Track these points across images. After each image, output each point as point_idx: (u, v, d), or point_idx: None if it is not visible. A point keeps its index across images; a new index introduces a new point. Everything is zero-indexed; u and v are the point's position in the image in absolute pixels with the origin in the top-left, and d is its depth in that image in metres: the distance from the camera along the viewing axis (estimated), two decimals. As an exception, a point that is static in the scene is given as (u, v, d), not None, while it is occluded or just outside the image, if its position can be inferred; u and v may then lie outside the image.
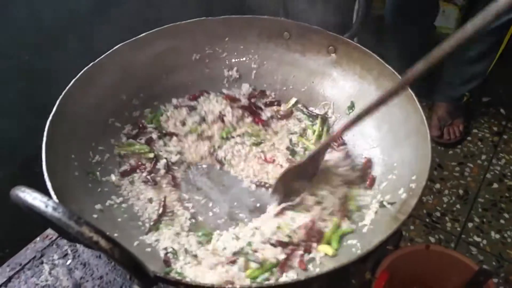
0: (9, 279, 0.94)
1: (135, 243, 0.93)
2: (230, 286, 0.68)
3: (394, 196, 0.96)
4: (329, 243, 0.93)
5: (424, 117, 0.99)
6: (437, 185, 2.07)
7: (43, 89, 1.04)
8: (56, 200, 0.80)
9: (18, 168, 1.26)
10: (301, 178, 1.00)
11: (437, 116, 2.27)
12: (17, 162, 1.25)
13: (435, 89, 2.32)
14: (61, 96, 0.99)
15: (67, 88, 1.01)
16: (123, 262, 0.60)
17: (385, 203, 0.96)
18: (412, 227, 1.90)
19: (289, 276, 0.85)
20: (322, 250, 0.91)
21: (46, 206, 0.59)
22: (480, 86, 2.18)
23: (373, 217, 0.97)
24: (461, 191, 2.04)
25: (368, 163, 1.09)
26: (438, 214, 1.96)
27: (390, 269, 1.15)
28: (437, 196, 2.03)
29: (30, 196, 0.60)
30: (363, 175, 1.07)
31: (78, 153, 1.00)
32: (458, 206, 1.99)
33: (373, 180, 1.05)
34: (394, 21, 2.12)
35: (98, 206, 0.96)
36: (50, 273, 0.95)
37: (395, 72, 1.09)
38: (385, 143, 1.09)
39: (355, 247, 0.90)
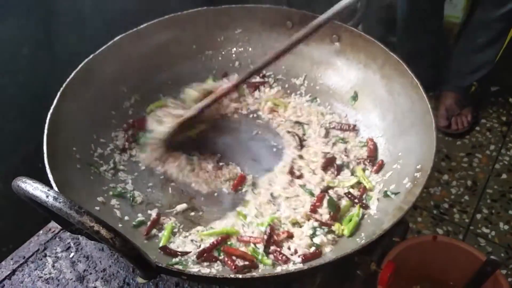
0: (13, 272, 0.94)
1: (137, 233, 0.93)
2: (232, 276, 0.67)
3: (399, 186, 0.95)
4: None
5: (429, 106, 0.97)
6: (445, 176, 2.04)
7: (44, 82, 1.03)
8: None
9: (20, 162, 1.26)
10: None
11: (444, 106, 2.24)
12: (19, 156, 1.25)
13: (442, 78, 2.29)
14: (61, 88, 0.99)
15: (68, 80, 1.01)
16: (125, 252, 0.60)
17: (389, 193, 0.94)
18: (419, 219, 1.88)
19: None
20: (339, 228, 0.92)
21: (47, 196, 0.58)
22: (488, 75, 2.14)
23: (377, 206, 0.96)
24: (469, 182, 2.02)
25: (371, 142, 1.08)
26: (446, 205, 1.93)
27: (396, 260, 1.13)
28: (445, 187, 2.00)
29: (31, 187, 0.60)
30: (369, 155, 1.06)
31: (80, 146, 1.00)
32: (466, 197, 1.96)
33: (381, 166, 1.04)
34: (404, 6, 2.10)
35: (100, 199, 0.96)
36: (53, 266, 0.95)
37: (400, 60, 1.07)
38: (390, 132, 1.08)
39: (359, 237, 0.89)
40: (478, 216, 1.89)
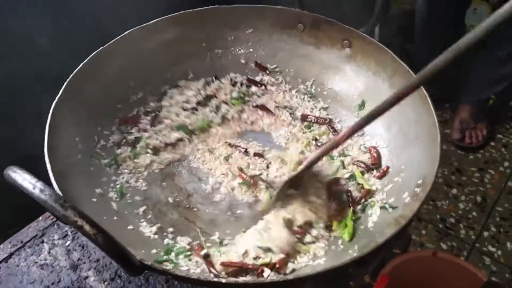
0: (10, 255, 0.96)
1: (130, 228, 0.93)
2: (215, 279, 0.67)
3: (398, 199, 0.93)
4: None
5: (436, 119, 0.95)
6: (454, 190, 2.00)
7: (53, 72, 1.04)
8: (54, 182, 0.80)
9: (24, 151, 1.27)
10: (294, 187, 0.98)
11: (459, 118, 2.19)
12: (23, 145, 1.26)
13: (460, 90, 2.24)
14: (68, 79, 0.99)
15: (75, 71, 1.01)
16: (106, 248, 0.60)
17: (387, 206, 0.93)
18: (423, 232, 1.85)
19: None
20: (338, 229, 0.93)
21: (34, 188, 0.59)
22: (508, 89, 2.09)
23: (376, 220, 0.94)
24: (479, 198, 1.98)
25: (374, 150, 1.07)
26: (452, 220, 1.90)
27: (393, 274, 1.11)
28: (453, 201, 1.97)
29: (20, 177, 0.61)
30: (373, 163, 1.05)
31: (83, 136, 1.01)
32: (474, 213, 1.92)
33: (385, 172, 1.02)
34: (424, 14, 2.06)
35: (98, 190, 0.97)
36: (49, 253, 0.97)
37: (410, 71, 1.05)
38: (394, 144, 1.06)
39: (352, 249, 0.88)
40: (485, 233, 1.86)
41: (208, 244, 0.91)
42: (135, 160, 1.06)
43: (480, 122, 2.20)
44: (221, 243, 0.92)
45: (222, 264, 0.83)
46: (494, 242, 1.82)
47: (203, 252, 0.86)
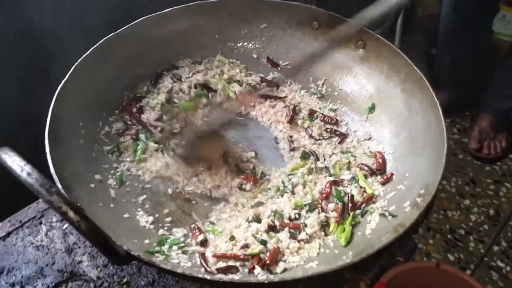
0: (8, 234, 0.97)
1: (126, 216, 0.93)
2: (200, 276, 0.66)
3: (399, 207, 0.91)
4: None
5: (444, 128, 0.92)
6: (466, 201, 1.95)
7: (60, 56, 1.05)
8: (51, 165, 0.80)
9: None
10: None
11: (478, 128, 2.13)
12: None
13: (481, 98, 2.17)
14: (76, 63, 1.00)
15: (84, 55, 1.02)
16: (90, 236, 0.60)
17: (387, 213, 0.90)
18: (431, 241, 1.81)
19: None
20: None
21: (21, 171, 0.59)
22: (532, 100, 2.02)
23: (374, 227, 0.92)
24: (492, 211, 1.92)
25: (380, 155, 1.05)
26: (462, 231, 1.85)
27: (392, 283, 1.09)
28: (465, 212, 1.91)
29: (10, 159, 0.61)
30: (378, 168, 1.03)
31: (87, 121, 1.01)
32: (485, 226, 1.87)
33: (388, 178, 1.00)
34: (449, 20, 2.00)
35: (97, 176, 0.97)
36: (46, 234, 0.98)
37: (423, 77, 1.02)
38: (401, 150, 1.03)
39: (346, 255, 0.86)
40: (495, 248, 1.80)
41: (208, 228, 0.91)
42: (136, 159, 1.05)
43: (500, 133, 2.13)
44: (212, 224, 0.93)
45: (215, 256, 0.83)
46: (503, 257, 1.77)
47: (200, 238, 0.87)
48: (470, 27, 1.98)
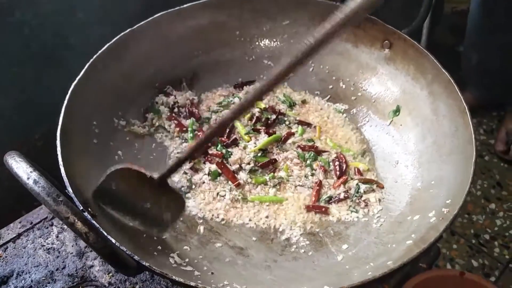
0: (18, 236, 0.95)
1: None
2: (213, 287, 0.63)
3: (424, 218, 0.86)
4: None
5: (473, 136, 0.87)
6: (492, 205, 1.87)
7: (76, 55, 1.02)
8: (62, 167, 0.78)
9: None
10: None
11: (506, 129, 2.04)
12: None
13: (509, 99, 2.08)
14: (91, 60, 0.97)
15: (99, 52, 0.99)
16: (97, 248, 0.57)
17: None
18: (455, 246, 1.74)
19: None
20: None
21: (28, 178, 0.57)
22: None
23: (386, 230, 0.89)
24: (518, 216, 1.85)
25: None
26: (487, 236, 1.78)
27: (413, 291, 1.05)
28: (490, 217, 1.84)
29: (16, 164, 0.59)
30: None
31: (101, 121, 0.99)
32: (511, 231, 1.79)
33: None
34: (476, 18, 1.91)
35: (111, 178, 0.94)
36: (57, 237, 0.95)
37: (451, 80, 0.96)
38: (427, 156, 0.98)
39: (368, 265, 0.82)
40: (522, 254, 1.73)
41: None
42: None
43: (529, 134, 2.04)
44: None
45: None
46: (530, 265, 1.70)
47: None
48: (498, 26, 1.89)
